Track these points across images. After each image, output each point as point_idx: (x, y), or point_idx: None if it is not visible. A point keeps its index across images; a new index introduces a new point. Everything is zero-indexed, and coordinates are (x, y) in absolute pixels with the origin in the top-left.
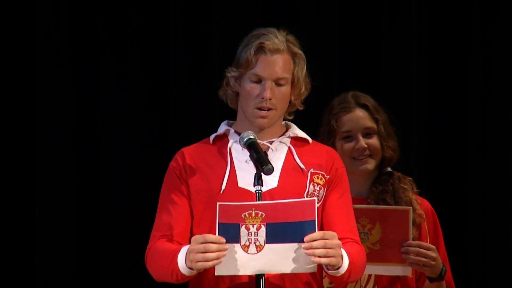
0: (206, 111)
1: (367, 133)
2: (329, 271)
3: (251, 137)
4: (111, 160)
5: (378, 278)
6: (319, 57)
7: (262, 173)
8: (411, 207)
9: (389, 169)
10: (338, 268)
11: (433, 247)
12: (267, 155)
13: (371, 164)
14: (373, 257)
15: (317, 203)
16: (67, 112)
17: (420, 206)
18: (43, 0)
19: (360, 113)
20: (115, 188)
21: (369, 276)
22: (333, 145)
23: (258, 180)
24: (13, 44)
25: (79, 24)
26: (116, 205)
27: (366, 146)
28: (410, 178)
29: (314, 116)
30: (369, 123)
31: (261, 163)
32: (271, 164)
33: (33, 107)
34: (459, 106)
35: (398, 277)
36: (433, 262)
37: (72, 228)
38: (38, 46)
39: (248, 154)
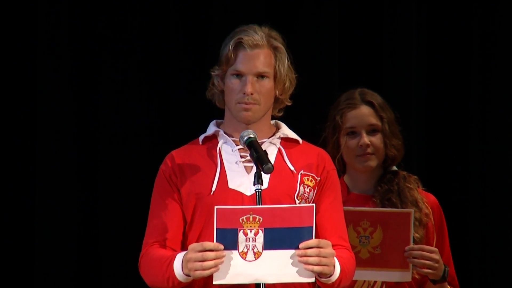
0: (206, 111)
1: (371, 130)
2: (321, 279)
3: (251, 136)
4: (111, 160)
5: None
6: (319, 57)
7: (262, 172)
8: (412, 210)
9: (395, 168)
10: (330, 276)
11: (436, 249)
12: (267, 154)
13: (373, 162)
14: (373, 262)
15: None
16: (67, 112)
17: (427, 203)
18: (43, 0)
19: (365, 110)
20: (115, 188)
21: None
22: (337, 141)
23: (258, 179)
24: (13, 44)
25: (79, 24)
26: (116, 205)
27: (369, 143)
28: (415, 177)
29: (314, 115)
30: (374, 120)
31: (261, 162)
32: (271, 163)
33: (33, 107)
34: (460, 104)
35: None
36: (436, 265)
37: (72, 228)
38: (38, 46)
39: (238, 155)
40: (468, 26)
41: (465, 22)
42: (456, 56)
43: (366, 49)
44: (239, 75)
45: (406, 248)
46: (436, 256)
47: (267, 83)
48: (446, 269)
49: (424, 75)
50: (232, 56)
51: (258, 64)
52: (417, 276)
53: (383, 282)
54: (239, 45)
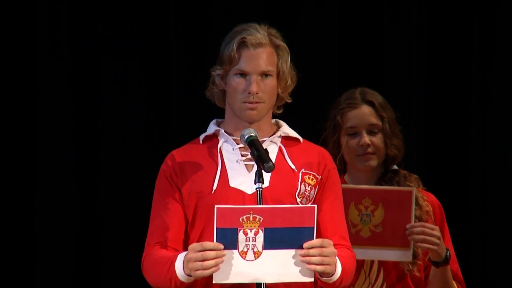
0: (206, 111)
1: (372, 130)
2: (322, 278)
3: (252, 134)
4: (111, 160)
5: (387, 274)
6: (319, 57)
7: (263, 171)
8: (414, 188)
9: (395, 167)
10: (332, 275)
11: (437, 227)
12: (268, 152)
13: (374, 161)
14: (374, 240)
15: (308, 203)
16: (67, 112)
17: (427, 202)
18: (43, 0)
19: (365, 109)
20: (115, 188)
21: (378, 273)
22: (337, 140)
23: (259, 178)
24: (13, 44)
25: (79, 24)
26: (116, 205)
27: (369, 142)
28: (415, 176)
29: (314, 114)
30: (374, 120)
31: (262, 161)
32: (272, 162)
33: (33, 107)
34: (460, 104)
35: (406, 273)
36: (438, 241)
37: (72, 228)
38: (38, 46)
39: (239, 153)
40: (468, 26)
41: (465, 22)
42: (456, 56)
43: (366, 49)
44: (243, 74)
45: (408, 225)
46: (437, 233)
47: (271, 81)
48: (448, 251)
49: (424, 75)
50: (236, 55)
51: (261, 63)
52: (419, 251)
53: (384, 281)
54: (242, 45)
